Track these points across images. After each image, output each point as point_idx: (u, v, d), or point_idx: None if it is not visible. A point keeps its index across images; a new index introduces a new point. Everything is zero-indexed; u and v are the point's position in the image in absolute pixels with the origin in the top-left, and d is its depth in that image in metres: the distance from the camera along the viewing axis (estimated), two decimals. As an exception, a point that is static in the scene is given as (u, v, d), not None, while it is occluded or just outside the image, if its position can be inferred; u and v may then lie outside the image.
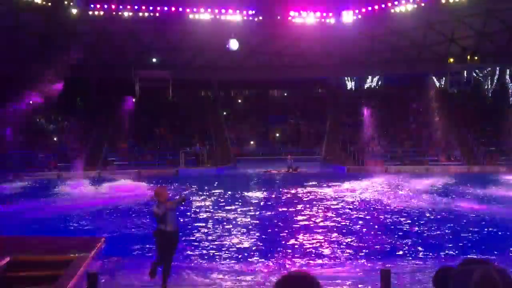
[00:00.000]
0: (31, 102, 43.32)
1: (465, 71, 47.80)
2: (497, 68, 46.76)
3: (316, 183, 25.23)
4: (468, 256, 9.63)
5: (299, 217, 15.87)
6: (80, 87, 45.07)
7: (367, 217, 15.82)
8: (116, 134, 37.59)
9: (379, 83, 53.59)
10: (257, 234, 13.35)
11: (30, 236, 11.90)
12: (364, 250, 11.34)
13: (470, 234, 13.06)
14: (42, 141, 35.76)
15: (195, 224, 14.60)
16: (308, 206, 18.25)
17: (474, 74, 48.36)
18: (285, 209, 17.75)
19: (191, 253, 11.01)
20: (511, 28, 40.42)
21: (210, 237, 12.81)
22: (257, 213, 16.91)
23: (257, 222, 15.23)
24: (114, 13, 40.29)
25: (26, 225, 14.85)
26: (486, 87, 47.49)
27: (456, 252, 11.10)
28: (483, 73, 47.71)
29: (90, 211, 17.40)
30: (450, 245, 11.81)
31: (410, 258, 10.57)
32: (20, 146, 34.54)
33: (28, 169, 31.07)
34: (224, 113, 44.74)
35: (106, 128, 38.28)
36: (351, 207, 17.94)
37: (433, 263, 9.81)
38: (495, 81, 47.17)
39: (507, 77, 47.09)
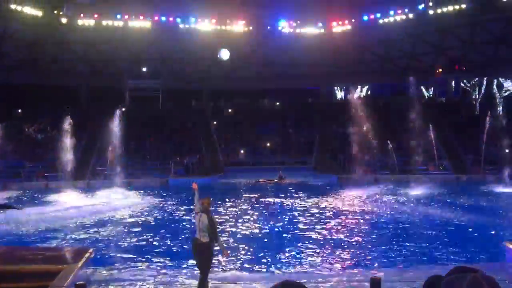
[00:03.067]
0: (19, 110, 43.04)
1: (453, 81, 48.35)
2: (485, 78, 47.37)
3: (306, 193, 25.24)
4: (458, 264, 9.66)
5: (290, 227, 15.85)
6: (70, 96, 44.88)
7: (358, 226, 15.84)
8: (106, 143, 37.33)
9: (368, 92, 53.96)
10: (247, 244, 13.29)
11: (16, 246, 11.75)
12: (354, 259, 11.34)
13: (458, 243, 13.14)
14: (30, 151, 35.41)
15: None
16: (299, 215, 18.22)
17: (462, 84, 48.94)
18: (275, 219, 17.70)
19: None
20: (497, 39, 41.01)
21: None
22: (248, 224, 16.84)
23: (248, 232, 15.16)
24: (104, 22, 40.23)
25: (13, 235, 14.67)
26: (473, 96, 48.05)
27: (446, 260, 11.15)
28: (470, 83, 48.30)
29: (78, 221, 17.23)
30: (439, 254, 11.86)
31: (401, 267, 10.59)
32: (8, 156, 34.17)
33: (16, 179, 30.69)
34: (214, 122, 44.70)
35: (96, 137, 38.02)
36: (341, 216, 17.95)
37: (423, 271, 9.82)
38: (483, 90, 47.78)
39: (494, 87, 47.71)
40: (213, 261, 8.54)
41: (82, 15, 39.47)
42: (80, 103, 45.95)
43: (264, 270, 10.65)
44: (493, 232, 14.36)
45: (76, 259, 8.24)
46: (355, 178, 32.31)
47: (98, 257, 10.48)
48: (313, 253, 12.05)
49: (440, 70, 45.64)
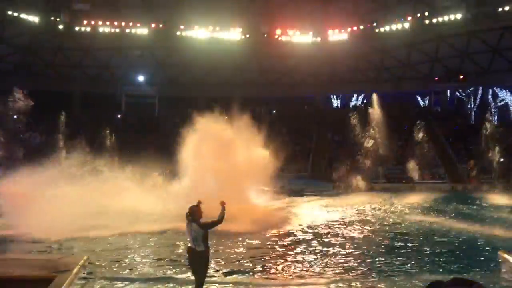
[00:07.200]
0: (15, 116, 42.81)
1: (448, 90, 48.64)
2: (480, 87, 47.68)
3: (302, 200, 25.22)
4: (452, 274, 9.69)
5: (284, 236, 15.80)
6: (65, 101, 44.75)
7: (353, 235, 15.81)
8: (101, 149, 37.18)
9: (364, 101, 54.15)
10: (239, 252, 13.24)
11: (10, 254, 11.65)
12: (350, 268, 11.31)
13: (453, 252, 13.15)
14: (25, 156, 35.19)
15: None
16: (292, 224, 18.17)
17: (457, 93, 49.23)
18: (269, 226, 17.64)
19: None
20: (493, 49, 41.33)
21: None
22: (243, 230, 16.76)
23: (242, 239, 15.11)
24: (101, 29, 40.30)
25: (6, 243, 14.54)
26: (468, 106, 48.32)
27: (441, 269, 11.14)
28: (465, 92, 48.59)
29: (69, 227, 17.07)
30: (433, 263, 11.85)
31: (396, 275, 10.57)
32: (1, 161, 33.98)
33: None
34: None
35: (91, 143, 37.87)
36: (336, 224, 17.91)
37: (419, 280, 9.82)
38: (478, 100, 48.08)
39: (489, 96, 48.03)
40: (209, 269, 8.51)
41: (79, 21, 39.55)
42: (75, 109, 45.84)
43: (259, 277, 10.60)
44: (487, 242, 14.37)
45: (70, 267, 8.18)
46: (351, 186, 32.33)
47: (92, 265, 10.41)
48: (305, 261, 11.99)
49: (436, 79, 45.95)
